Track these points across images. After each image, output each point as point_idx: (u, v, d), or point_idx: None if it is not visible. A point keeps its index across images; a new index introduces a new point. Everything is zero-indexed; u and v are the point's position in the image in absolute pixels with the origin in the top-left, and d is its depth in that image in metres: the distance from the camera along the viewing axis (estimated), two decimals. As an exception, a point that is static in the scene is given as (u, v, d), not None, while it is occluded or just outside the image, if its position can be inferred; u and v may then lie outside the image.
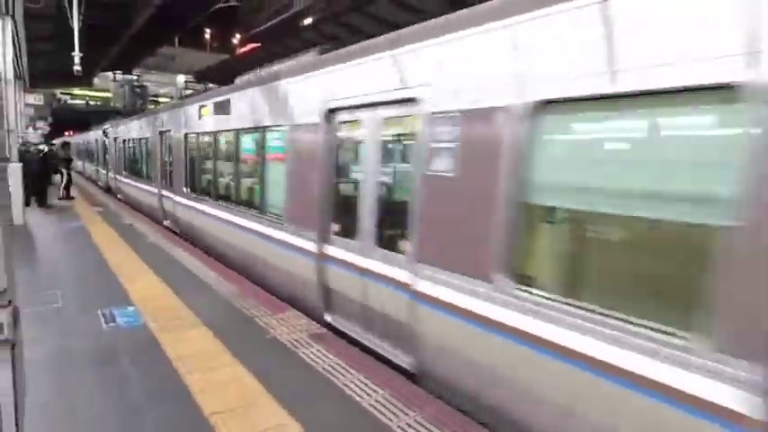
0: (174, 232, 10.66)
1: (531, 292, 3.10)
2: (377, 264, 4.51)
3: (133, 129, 15.04)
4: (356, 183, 4.93)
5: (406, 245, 4.15)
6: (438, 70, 3.78)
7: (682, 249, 2.59)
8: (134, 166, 15.05)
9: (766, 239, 2.10)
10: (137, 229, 10.72)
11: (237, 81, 8.08)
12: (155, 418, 3.30)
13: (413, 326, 4.01)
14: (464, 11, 3.67)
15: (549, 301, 2.98)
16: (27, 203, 12.32)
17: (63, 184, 16.19)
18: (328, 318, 5.27)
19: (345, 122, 5.02)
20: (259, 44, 31.84)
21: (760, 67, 2.10)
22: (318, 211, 5.25)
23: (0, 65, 10.16)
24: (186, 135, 9.81)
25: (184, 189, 9.95)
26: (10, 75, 11.87)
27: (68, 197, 16.07)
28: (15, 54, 14.18)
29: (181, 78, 43.56)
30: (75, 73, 13.99)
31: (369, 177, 4.68)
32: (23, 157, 12.75)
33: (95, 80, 38.78)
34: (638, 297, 2.71)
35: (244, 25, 34.62)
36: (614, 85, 2.64)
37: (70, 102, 50.38)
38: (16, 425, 0.95)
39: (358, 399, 3.62)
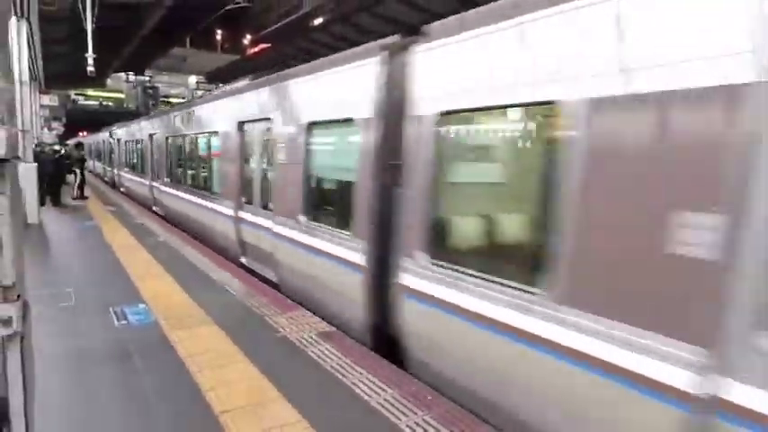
0: (162, 217, 13.09)
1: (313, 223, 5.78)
2: (261, 219, 7.17)
3: (130, 132, 17.83)
4: (253, 170, 7.63)
5: (271, 206, 6.91)
6: (282, 102, 6.57)
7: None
8: (132, 163, 17.77)
9: None
10: (148, 228, 10.82)
11: (197, 99, 13.42)
12: (165, 416, 3.33)
13: (274, 253, 6.66)
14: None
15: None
16: (42, 203, 12.51)
17: (77, 184, 16.42)
18: (243, 260, 7.94)
19: (246, 131, 7.81)
20: (269, 45, 32.02)
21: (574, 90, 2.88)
22: (236, 189, 8.04)
23: (15, 66, 10.33)
24: (167, 138, 12.66)
25: (166, 179, 12.91)
26: (25, 76, 12.07)
27: (82, 197, 16.29)
28: (31, 56, 14.41)
29: (192, 79, 43.95)
30: (88, 74, 14.18)
31: (257, 167, 7.47)
32: (38, 157, 12.95)
33: (108, 81, 39.28)
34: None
35: (254, 26, 34.86)
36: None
37: (84, 102, 51.09)
38: (25, 416, 0.96)
39: (366, 398, 3.62)
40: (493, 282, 3.46)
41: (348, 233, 4.98)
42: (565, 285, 2.93)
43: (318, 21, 24.64)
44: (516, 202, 3.86)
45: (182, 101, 38.16)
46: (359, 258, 4.77)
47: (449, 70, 3.86)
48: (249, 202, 7.62)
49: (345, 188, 5.12)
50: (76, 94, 49.22)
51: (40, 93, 23.79)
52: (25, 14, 11.49)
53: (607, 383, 2.68)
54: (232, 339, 4.63)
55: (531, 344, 3.11)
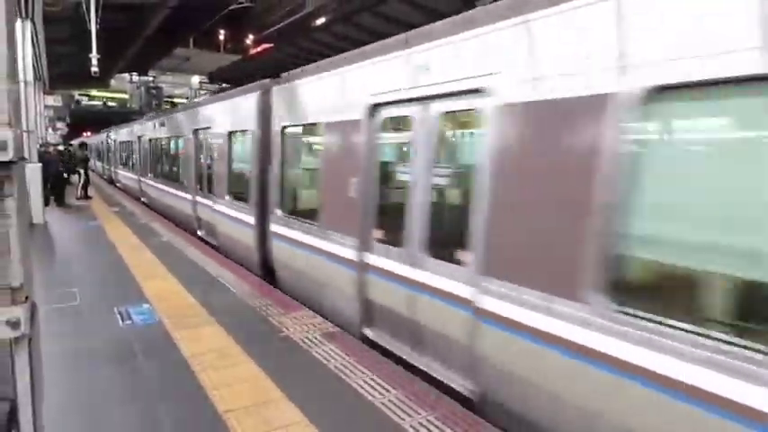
0: (147, 205, 14.70)
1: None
2: (208, 201, 9.44)
3: (124, 134, 20.49)
4: (204, 164, 10.01)
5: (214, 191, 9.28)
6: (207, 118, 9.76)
7: None
8: (125, 161, 20.44)
9: None
10: (152, 229, 10.86)
11: (178, 107, 13.79)
12: (170, 416, 3.34)
13: (215, 224, 9.08)
14: None
15: None
16: (46, 203, 12.56)
17: (81, 184, 16.47)
18: (200, 232, 10.08)
19: (199, 136, 10.36)
20: (272, 45, 32.03)
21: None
22: (194, 179, 10.43)
23: (20, 67, 10.36)
24: (150, 139, 14.53)
25: (149, 174, 14.56)
26: (30, 77, 12.10)
27: (86, 197, 16.34)
28: (35, 56, 14.47)
29: (195, 79, 43.99)
30: (92, 74, 14.20)
31: (205, 162, 9.96)
32: (42, 157, 13.00)
33: (112, 82, 39.33)
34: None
35: (256, 26, 34.87)
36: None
37: (88, 103, 51.22)
38: (34, 418, 0.96)
39: (370, 398, 3.63)
40: (307, 223, 5.92)
41: (247, 204, 7.58)
42: (324, 220, 5.54)
43: (320, 21, 24.63)
44: (321, 180, 5.81)
45: (185, 101, 38.24)
46: (252, 219, 7.40)
47: (286, 102, 6.56)
48: (202, 189, 10.03)
49: (247, 174, 7.68)
50: (80, 95, 49.34)
51: (44, 93, 23.88)
52: (29, 15, 11.53)
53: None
54: (235, 339, 4.64)
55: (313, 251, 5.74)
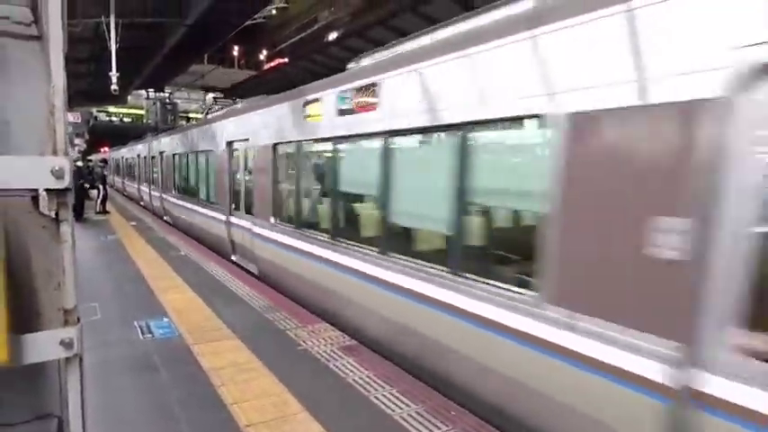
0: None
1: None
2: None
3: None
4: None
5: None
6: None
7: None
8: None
9: None
10: (169, 242, 11.01)
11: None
12: (192, 430, 3.37)
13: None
14: None
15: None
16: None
17: (99, 199, 16.81)
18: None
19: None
20: (286, 60, 32.56)
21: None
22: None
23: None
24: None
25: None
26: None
27: (104, 211, 16.65)
28: (66, 78, 14.89)
29: (210, 95, 44.86)
30: (112, 92, 14.60)
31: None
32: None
33: (129, 98, 40.28)
34: None
35: (270, 42, 35.51)
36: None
37: (105, 119, 52.40)
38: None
39: (390, 411, 3.62)
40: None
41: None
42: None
43: (333, 35, 25.02)
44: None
45: (200, 116, 38.89)
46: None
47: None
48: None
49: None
50: (98, 111, 50.52)
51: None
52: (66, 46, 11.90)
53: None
54: (254, 353, 4.67)
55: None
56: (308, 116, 6.27)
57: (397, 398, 3.83)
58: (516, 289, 3.44)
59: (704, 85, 2.34)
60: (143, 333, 5.21)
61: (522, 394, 3.34)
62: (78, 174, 15.65)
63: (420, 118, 4.27)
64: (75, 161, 21.71)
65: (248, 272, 8.19)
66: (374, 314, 4.94)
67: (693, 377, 2.42)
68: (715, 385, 2.34)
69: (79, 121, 34.30)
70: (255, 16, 26.50)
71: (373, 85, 4.92)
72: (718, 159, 2.29)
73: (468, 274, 3.83)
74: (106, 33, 13.74)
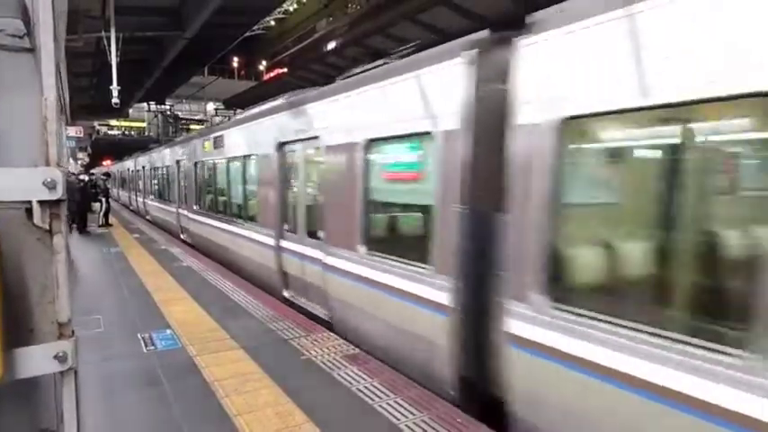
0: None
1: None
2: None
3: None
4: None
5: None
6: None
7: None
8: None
9: None
10: (172, 254, 11.00)
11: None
12: (195, 442, 3.34)
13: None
14: None
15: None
16: (69, 230, 12.85)
17: (102, 212, 16.86)
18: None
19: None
20: (285, 70, 32.75)
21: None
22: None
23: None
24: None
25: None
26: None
27: (107, 224, 16.70)
28: (59, 91, 15.00)
29: (211, 106, 45.10)
30: (113, 105, 14.68)
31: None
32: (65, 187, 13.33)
33: (130, 111, 40.55)
34: None
35: (269, 52, 35.76)
36: None
37: (108, 132, 52.71)
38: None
39: (395, 420, 3.58)
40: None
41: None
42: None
43: (332, 45, 25.17)
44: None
45: (201, 127, 39.12)
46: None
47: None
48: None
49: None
50: (100, 125, 50.85)
51: (66, 125, 24.66)
52: (61, 60, 11.99)
53: None
54: (257, 363, 4.64)
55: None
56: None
57: (403, 406, 3.79)
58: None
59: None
60: (146, 345, 5.19)
61: (245, 259, 8.21)
62: (82, 188, 15.72)
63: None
64: (77, 175, 21.81)
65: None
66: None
67: (280, 242, 6.97)
68: (282, 243, 6.90)
69: (82, 135, 34.51)
70: (254, 27, 26.70)
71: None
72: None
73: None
74: (107, 48, 13.84)
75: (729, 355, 2.35)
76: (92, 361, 4.72)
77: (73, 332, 0.93)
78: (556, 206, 3.18)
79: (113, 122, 51.88)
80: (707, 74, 2.45)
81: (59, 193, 0.87)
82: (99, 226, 16.36)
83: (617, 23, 2.84)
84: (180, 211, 14.05)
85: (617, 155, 3.39)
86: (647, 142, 3.24)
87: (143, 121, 51.71)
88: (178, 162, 14.21)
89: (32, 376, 0.90)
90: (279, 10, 30.84)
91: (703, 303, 2.73)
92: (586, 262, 3.28)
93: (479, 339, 3.84)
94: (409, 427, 3.48)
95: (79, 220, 15.00)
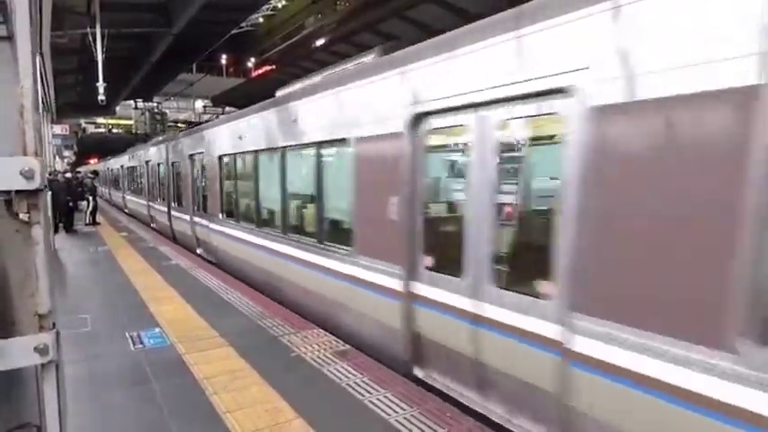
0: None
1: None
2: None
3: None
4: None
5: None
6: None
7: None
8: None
9: None
10: (160, 253, 10.91)
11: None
12: (184, 440, 3.32)
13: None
14: None
15: None
16: (55, 230, 12.67)
17: (89, 211, 16.64)
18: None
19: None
20: (273, 67, 32.53)
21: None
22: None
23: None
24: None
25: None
26: (38, 108, 12.31)
27: (94, 223, 16.49)
28: (43, 88, 14.79)
29: (199, 103, 44.66)
30: (99, 103, 14.48)
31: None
32: (51, 185, 13.16)
33: (117, 109, 40.01)
34: None
35: (258, 49, 35.51)
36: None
37: (94, 131, 51.99)
38: (61, 444, 0.97)
39: (385, 416, 3.59)
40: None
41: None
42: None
43: (320, 41, 25.03)
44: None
45: (188, 124, 38.78)
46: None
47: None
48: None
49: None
50: (86, 123, 50.13)
51: (52, 123, 24.31)
52: (38, 48, 11.80)
53: None
54: (247, 360, 4.62)
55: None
56: None
57: (392, 401, 3.80)
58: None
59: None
60: (134, 343, 5.14)
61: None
62: (68, 186, 15.48)
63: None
64: (63, 173, 21.50)
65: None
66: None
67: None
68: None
69: (68, 132, 33.98)
70: (243, 24, 26.47)
71: None
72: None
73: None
74: (92, 44, 13.65)
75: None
76: (78, 360, 4.67)
77: (54, 325, 0.92)
78: None
79: (100, 120, 51.19)
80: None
81: (37, 182, 0.85)
82: (86, 225, 16.15)
83: None
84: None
85: None
86: None
87: (130, 119, 51.10)
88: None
89: (12, 369, 0.89)
90: (267, 6, 30.59)
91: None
92: None
93: None
94: (399, 422, 3.49)
95: (65, 219, 14.79)
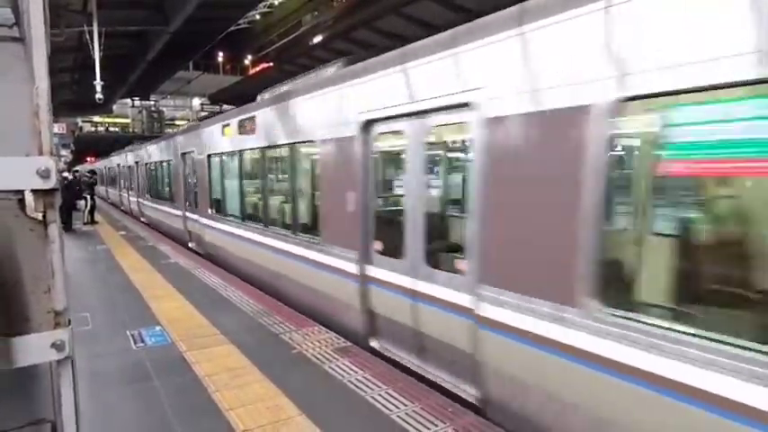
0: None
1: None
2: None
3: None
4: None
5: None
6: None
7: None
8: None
9: None
10: (159, 251, 10.91)
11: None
12: (188, 436, 3.34)
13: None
14: None
15: None
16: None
17: (87, 210, 16.61)
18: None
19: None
20: (271, 64, 32.46)
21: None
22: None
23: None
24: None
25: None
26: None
27: (92, 221, 16.47)
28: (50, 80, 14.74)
29: (196, 101, 44.55)
30: (97, 101, 14.46)
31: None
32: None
33: (114, 107, 39.90)
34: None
35: (255, 47, 35.43)
36: None
37: (91, 129, 51.81)
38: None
39: (387, 411, 3.61)
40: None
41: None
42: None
43: (318, 38, 24.98)
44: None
45: (187, 123, 38.68)
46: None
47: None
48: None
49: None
50: (83, 121, 49.94)
51: (48, 121, 24.24)
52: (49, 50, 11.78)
53: None
54: (248, 357, 4.64)
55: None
56: None
57: (394, 397, 3.83)
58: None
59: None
60: (135, 342, 5.15)
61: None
62: (66, 185, 15.45)
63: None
64: (61, 172, 21.43)
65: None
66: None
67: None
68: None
69: (65, 132, 33.87)
70: (240, 21, 26.38)
71: None
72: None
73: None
74: (89, 42, 13.60)
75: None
76: (80, 358, 4.67)
77: (69, 321, 0.94)
78: None
79: (97, 119, 50.99)
80: None
81: (53, 182, 0.87)
82: (84, 224, 16.13)
83: None
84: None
85: None
86: None
87: (127, 118, 50.93)
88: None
89: (29, 365, 0.90)
90: (264, 3, 30.54)
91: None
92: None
93: None
94: (401, 418, 3.52)
95: (64, 218, 14.77)
